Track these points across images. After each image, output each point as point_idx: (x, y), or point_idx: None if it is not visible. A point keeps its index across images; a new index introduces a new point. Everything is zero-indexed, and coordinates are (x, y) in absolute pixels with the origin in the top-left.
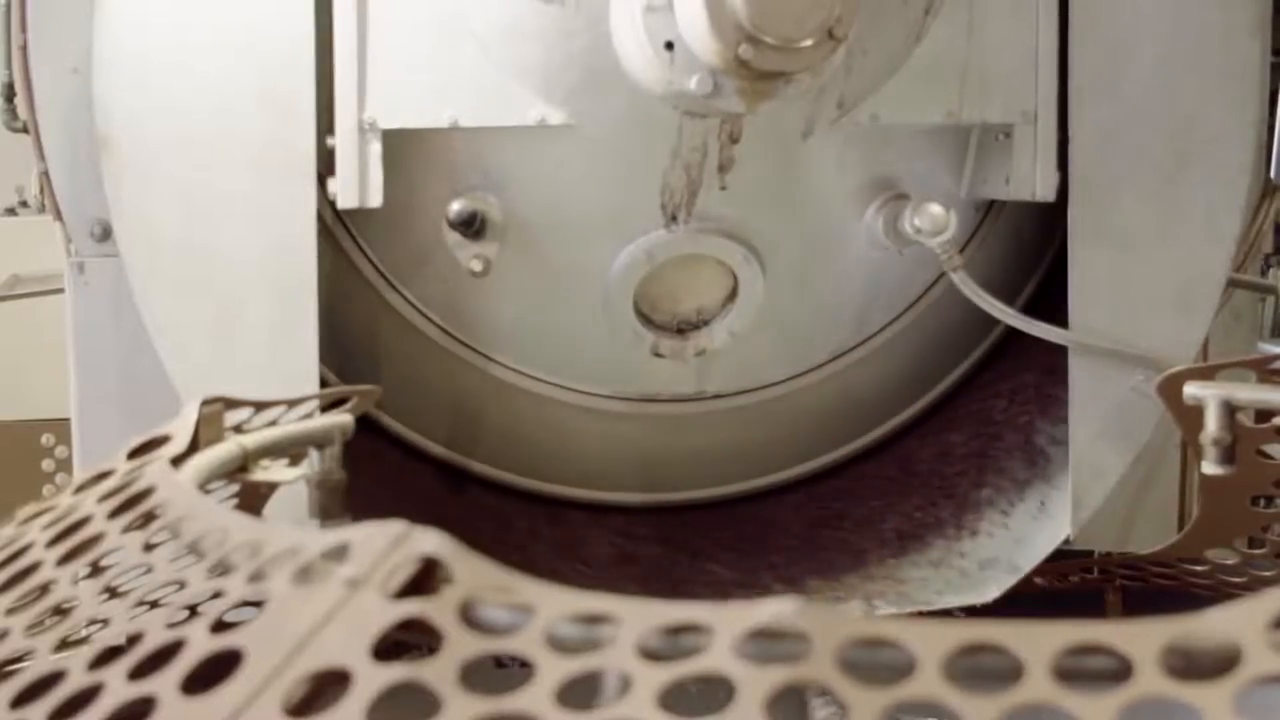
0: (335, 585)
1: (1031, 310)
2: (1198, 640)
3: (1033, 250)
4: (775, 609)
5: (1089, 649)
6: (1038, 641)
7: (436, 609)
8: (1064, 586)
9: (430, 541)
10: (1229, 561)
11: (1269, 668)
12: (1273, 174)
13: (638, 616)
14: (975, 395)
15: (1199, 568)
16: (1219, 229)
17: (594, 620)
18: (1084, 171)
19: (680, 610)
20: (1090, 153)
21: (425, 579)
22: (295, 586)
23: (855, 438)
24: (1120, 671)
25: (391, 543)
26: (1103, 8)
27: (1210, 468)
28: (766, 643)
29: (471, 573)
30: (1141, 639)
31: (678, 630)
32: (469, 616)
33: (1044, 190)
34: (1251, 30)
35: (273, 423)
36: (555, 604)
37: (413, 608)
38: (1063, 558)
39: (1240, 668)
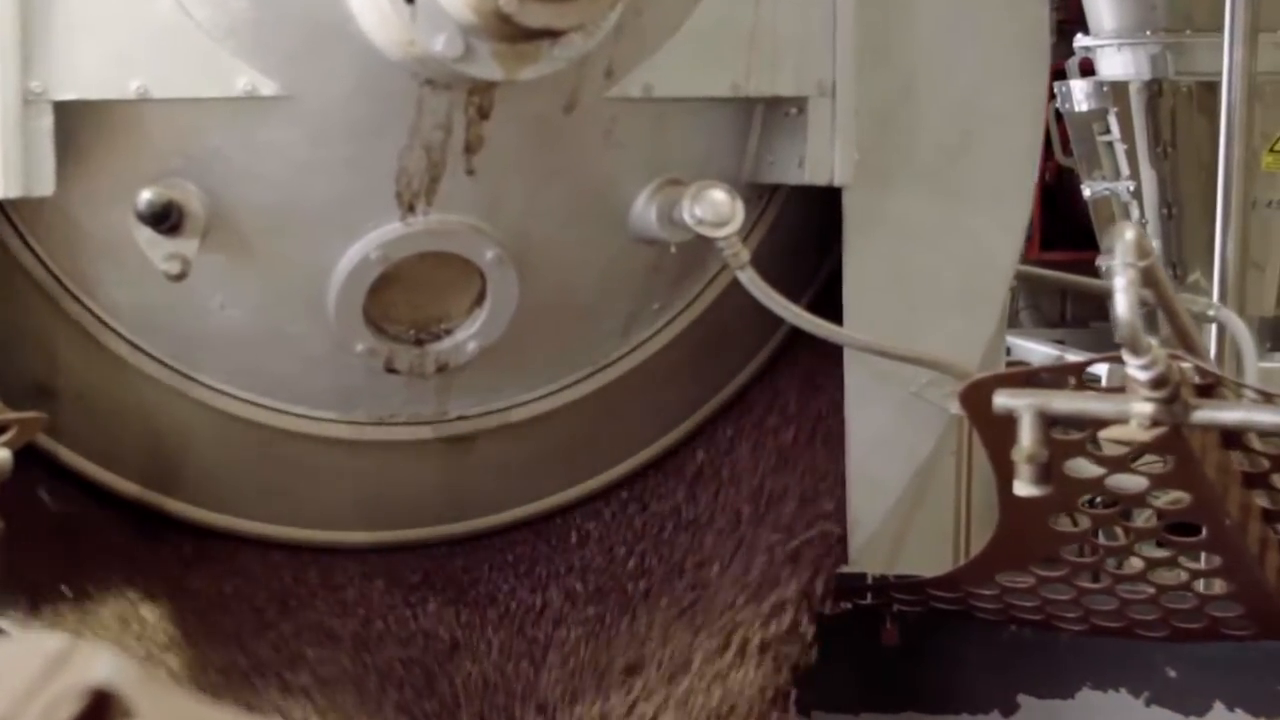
0: None
1: (815, 308)
2: None
3: (822, 242)
4: None
5: None
6: None
7: None
8: (836, 614)
9: (102, 666)
10: (1021, 585)
11: None
12: (1059, 155)
13: None
14: (760, 407)
15: (987, 591)
16: (1007, 215)
17: None
18: (858, 150)
19: None
20: (864, 129)
21: (96, 718)
22: None
23: (623, 460)
24: None
25: (47, 667)
26: None
27: (1024, 488)
28: None
29: (160, 709)
30: None
31: None
32: None
33: (842, 174)
34: None
35: None
36: None
37: None
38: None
39: None
